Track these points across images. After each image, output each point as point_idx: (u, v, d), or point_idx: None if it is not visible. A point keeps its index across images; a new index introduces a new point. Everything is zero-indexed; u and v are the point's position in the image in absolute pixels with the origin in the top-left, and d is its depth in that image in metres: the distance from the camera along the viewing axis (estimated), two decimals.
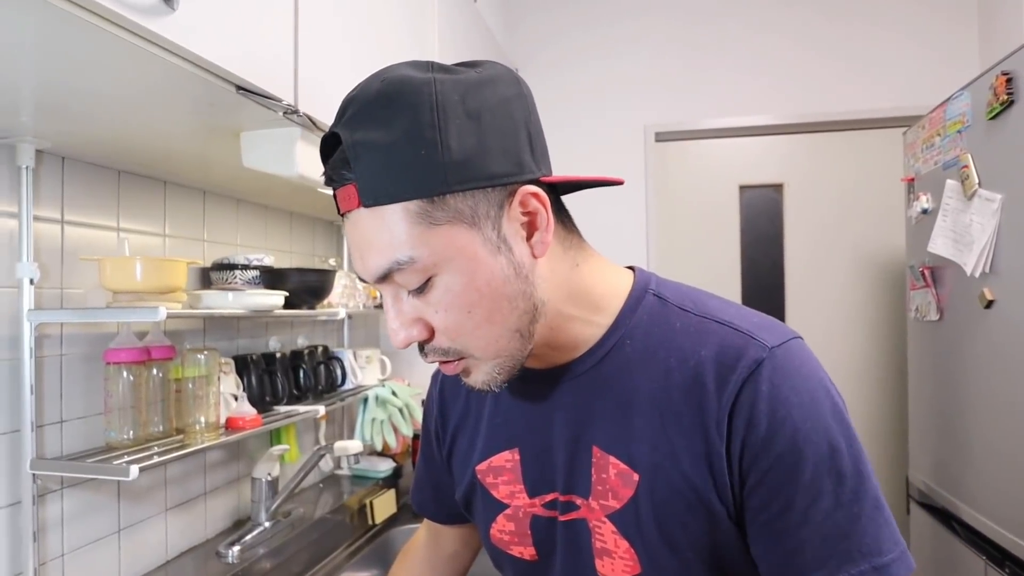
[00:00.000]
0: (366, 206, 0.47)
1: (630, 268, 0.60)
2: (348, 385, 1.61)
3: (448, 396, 0.69)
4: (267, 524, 1.29)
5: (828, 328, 2.22)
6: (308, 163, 0.93)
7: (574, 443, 0.56)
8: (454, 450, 0.68)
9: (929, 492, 1.69)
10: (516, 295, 0.50)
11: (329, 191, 0.51)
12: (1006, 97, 1.28)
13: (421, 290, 0.48)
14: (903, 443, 2.03)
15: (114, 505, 1.07)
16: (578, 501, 0.56)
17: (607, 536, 0.54)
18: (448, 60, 0.53)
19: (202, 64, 0.68)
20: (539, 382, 0.58)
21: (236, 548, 1.20)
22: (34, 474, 0.91)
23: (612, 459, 0.54)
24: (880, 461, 2.17)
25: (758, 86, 2.23)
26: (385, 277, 0.48)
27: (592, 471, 0.55)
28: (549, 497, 0.58)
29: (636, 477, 0.52)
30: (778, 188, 2.28)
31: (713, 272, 2.30)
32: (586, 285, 0.55)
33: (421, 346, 0.52)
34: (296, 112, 0.85)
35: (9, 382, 0.90)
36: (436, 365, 0.75)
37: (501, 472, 0.61)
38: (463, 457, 0.66)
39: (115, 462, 0.92)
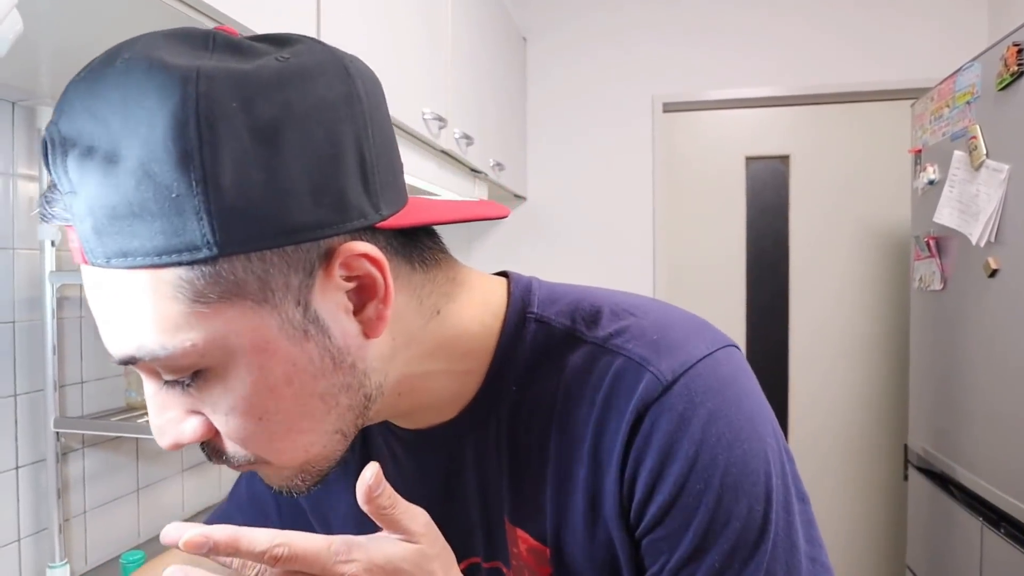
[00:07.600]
0: (94, 265, 0.31)
1: (503, 274, 0.47)
2: None
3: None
4: None
5: (831, 298, 2.24)
6: None
7: (484, 508, 0.46)
8: None
9: (927, 457, 1.73)
10: (335, 390, 0.36)
11: None
12: (1016, 68, 1.28)
13: (191, 382, 0.34)
14: (903, 410, 2.06)
15: (132, 465, 1.10)
16: (504, 570, 0.47)
17: None
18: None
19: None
20: (422, 443, 0.46)
21: None
22: (57, 432, 0.93)
23: (520, 532, 0.44)
24: (879, 428, 2.21)
25: (766, 57, 2.21)
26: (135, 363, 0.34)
27: (507, 543, 0.45)
28: (463, 565, 0.47)
29: (548, 553, 0.43)
30: (784, 160, 2.28)
31: (718, 243, 2.31)
32: (451, 333, 0.42)
33: (202, 445, 0.37)
34: None
35: (32, 343, 0.92)
36: None
37: None
38: None
39: (139, 421, 0.94)
